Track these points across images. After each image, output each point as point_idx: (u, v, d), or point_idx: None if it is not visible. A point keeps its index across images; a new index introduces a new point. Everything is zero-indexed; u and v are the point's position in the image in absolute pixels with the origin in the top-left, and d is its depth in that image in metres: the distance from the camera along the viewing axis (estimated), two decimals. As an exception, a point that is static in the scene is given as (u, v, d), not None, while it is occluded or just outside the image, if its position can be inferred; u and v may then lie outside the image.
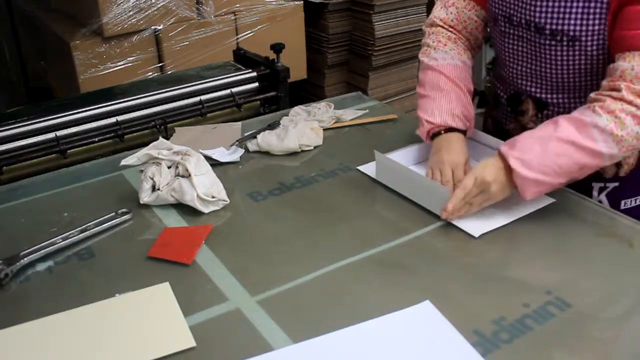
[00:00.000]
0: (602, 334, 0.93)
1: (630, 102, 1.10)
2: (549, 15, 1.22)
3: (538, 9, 1.23)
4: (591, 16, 1.18)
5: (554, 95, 1.32)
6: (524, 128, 1.33)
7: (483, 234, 1.14)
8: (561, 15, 1.20)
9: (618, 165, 1.31)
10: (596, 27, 1.18)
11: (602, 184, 1.33)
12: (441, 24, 1.41)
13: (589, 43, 1.20)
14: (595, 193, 1.34)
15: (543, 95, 1.33)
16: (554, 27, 1.22)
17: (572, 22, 1.20)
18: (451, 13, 1.41)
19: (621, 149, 1.12)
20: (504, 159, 1.15)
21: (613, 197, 1.34)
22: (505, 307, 0.97)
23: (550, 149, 1.13)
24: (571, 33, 1.21)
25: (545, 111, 1.34)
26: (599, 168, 1.18)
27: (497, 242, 1.14)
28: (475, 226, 1.16)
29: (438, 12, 1.43)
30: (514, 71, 1.36)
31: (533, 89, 1.34)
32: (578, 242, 1.14)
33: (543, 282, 1.02)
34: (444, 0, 1.42)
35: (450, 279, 1.04)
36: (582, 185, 1.30)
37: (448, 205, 1.16)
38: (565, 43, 1.22)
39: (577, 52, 1.23)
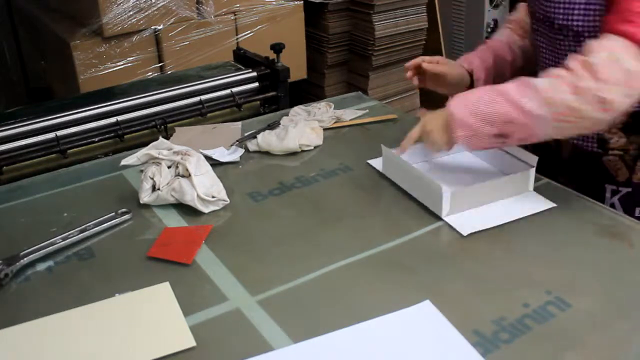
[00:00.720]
0: (602, 333, 0.93)
1: (572, 71, 1.11)
2: (557, 9, 1.24)
3: (549, 3, 1.25)
4: (591, 12, 1.19)
5: None
6: None
7: (483, 233, 1.14)
8: (566, 11, 1.22)
9: (631, 170, 1.30)
10: (597, 23, 1.19)
11: (614, 187, 1.33)
12: (508, 24, 1.52)
13: (592, 39, 1.21)
14: (607, 195, 1.33)
15: None
16: (561, 22, 1.24)
17: (576, 17, 1.21)
18: (519, 12, 1.50)
19: (553, 115, 1.11)
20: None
21: (627, 203, 1.33)
22: (505, 307, 0.97)
23: (484, 96, 1.17)
24: (575, 28, 1.22)
25: None
26: (532, 133, 1.16)
27: (497, 242, 1.14)
28: (467, 225, 1.17)
29: (512, 13, 1.54)
30: (540, 65, 1.39)
31: None
32: (578, 242, 1.14)
33: (543, 282, 1.02)
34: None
35: (450, 279, 1.04)
36: (595, 186, 1.31)
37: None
38: (571, 38, 1.24)
39: (582, 48, 1.24)
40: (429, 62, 1.43)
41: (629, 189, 1.32)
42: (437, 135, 1.22)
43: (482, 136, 1.17)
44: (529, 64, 1.46)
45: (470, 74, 1.44)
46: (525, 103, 1.12)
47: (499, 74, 1.46)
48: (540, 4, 1.28)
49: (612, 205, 1.33)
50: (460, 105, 1.18)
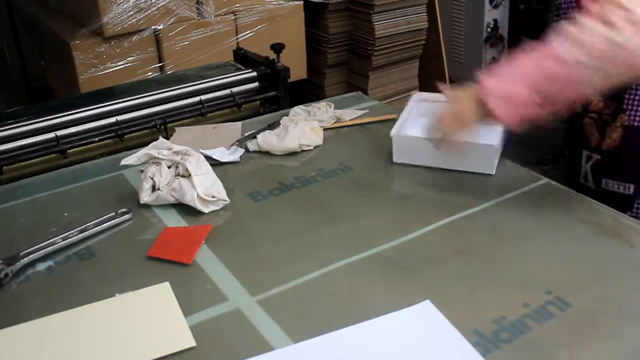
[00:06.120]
0: (602, 334, 0.93)
1: (595, 13, 1.03)
2: None
3: None
4: None
5: None
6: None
7: (483, 234, 1.14)
8: None
9: (601, 136, 1.31)
10: None
11: (588, 152, 1.35)
12: None
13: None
14: (582, 162, 1.35)
15: None
16: None
17: None
18: None
19: (591, 54, 1.02)
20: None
21: (596, 171, 1.35)
22: (505, 307, 0.97)
23: (516, 60, 1.08)
24: None
25: None
26: (574, 86, 1.06)
27: (498, 241, 1.14)
28: (400, 157, 1.37)
29: None
30: None
31: None
32: (578, 242, 1.14)
33: (543, 282, 1.02)
34: None
35: (450, 279, 1.04)
36: (575, 151, 1.35)
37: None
38: None
39: None
40: None
41: (599, 157, 1.33)
42: (467, 109, 1.11)
43: (518, 101, 1.06)
44: None
45: None
46: (560, 52, 1.03)
47: None
48: None
49: (585, 174, 1.33)
50: (491, 75, 1.09)
